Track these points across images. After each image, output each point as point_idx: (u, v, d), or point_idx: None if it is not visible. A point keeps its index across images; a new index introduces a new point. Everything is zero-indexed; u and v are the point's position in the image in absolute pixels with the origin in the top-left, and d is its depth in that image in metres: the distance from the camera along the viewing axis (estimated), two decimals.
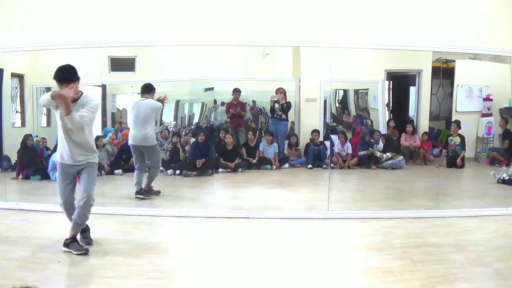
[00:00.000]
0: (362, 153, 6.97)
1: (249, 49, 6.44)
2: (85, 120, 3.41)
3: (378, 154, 6.95)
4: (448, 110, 6.91)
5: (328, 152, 6.83)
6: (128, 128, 6.20)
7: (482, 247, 3.70)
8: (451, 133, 6.66)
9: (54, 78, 3.37)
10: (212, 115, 7.51)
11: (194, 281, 3.08)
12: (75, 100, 3.42)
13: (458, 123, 6.63)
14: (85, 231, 3.74)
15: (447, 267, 3.24)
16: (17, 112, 6.24)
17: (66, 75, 3.37)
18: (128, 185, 5.42)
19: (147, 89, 5.44)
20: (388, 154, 6.87)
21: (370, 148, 6.94)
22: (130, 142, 5.38)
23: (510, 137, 6.57)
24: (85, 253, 3.46)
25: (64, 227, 3.92)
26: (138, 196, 5.24)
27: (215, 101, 7.33)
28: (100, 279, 3.03)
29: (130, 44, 5.43)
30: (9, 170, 5.91)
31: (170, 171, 6.58)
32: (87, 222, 3.73)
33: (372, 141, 7.02)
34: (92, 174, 3.60)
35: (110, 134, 6.52)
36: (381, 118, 7.51)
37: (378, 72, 7.21)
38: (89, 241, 3.71)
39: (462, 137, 6.61)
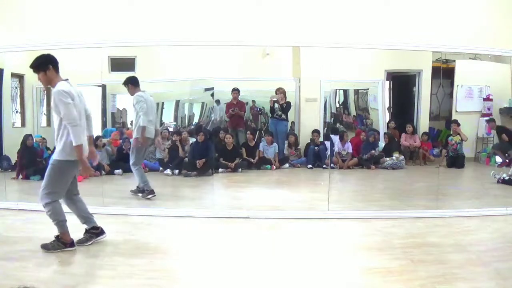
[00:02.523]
0: (365, 157, 6.97)
1: (249, 49, 6.45)
2: (68, 118, 3.34)
3: (378, 154, 6.98)
4: (448, 110, 6.92)
5: (328, 152, 6.83)
6: (128, 128, 6.19)
7: (482, 247, 3.70)
8: (451, 133, 6.66)
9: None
10: (212, 115, 7.54)
11: (194, 281, 3.08)
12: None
13: (456, 121, 6.64)
14: (87, 231, 3.74)
15: (447, 267, 3.24)
16: (17, 112, 6.24)
17: (32, 64, 3.44)
18: (128, 184, 5.41)
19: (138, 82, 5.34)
20: (395, 155, 6.88)
21: (373, 150, 6.96)
22: (149, 136, 5.25)
23: (505, 131, 6.52)
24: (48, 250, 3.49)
25: None
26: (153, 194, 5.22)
27: (218, 102, 7.36)
28: (100, 279, 3.03)
29: (130, 44, 5.42)
30: (9, 170, 5.92)
31: (168, 171, 6.58)
32: (99, 224, 3.76)
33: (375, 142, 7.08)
34: (48, 173, 3.51)
35: (113, 134, 6.51)
36: (381, 118, 7.52)
37: (378, 72, 7.22)
38: (82, 240, 3.67)
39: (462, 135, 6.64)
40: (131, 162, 5.25)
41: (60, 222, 3.53)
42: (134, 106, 5.19)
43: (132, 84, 5.22)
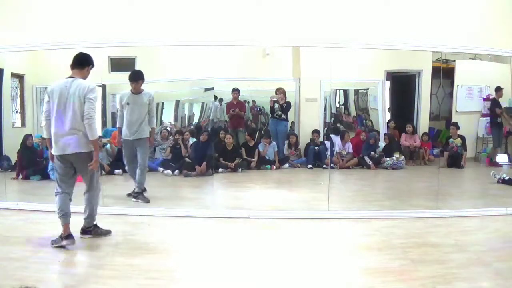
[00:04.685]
0: (367, 159, 6.96)
1: (249, 49, 6.44)
2: None
3: (378, 155, 7.00)
4: (448, 110, 6.91)
5: (328, 152, 6.83)
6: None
7: (482, 247, 3.71)
8: (451, 135, 6.66)
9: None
10: (212, 113, 7.54)
11: (194, 281, 3.08)
12: None
13: (456, 124, 6.64)
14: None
15: (447, 267, 3.24)
16: (17, 112, 6.24)
17: None
18: (129, 185, 5.41)
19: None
20: (396, 156, 6.88)
21: (380, 153, 6.97)
22: None
23: (498, 105, 6.49)
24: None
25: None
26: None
27: (215, 97, 7.35)
28: (100, 279, 3.03)
29: (130, 44, 5.42)
30: (9, 170, 5.91)
31: (169, 171, 6.58)
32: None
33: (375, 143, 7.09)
34: None
35: (114, 134, 6.49)
36: (381, 118, 7.52)
37: (378, 72, 7.22)
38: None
39: (462, 138, 6.61)
40: (143, 161, 5.14)
41: (58, 214, 3.63)
42: (150, 105, 5.12)
43: (144, 80, 5.13)
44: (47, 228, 4.00)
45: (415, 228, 4.27)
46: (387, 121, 7.43)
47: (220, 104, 7.49)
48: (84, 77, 3.73)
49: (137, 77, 5.09)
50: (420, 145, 7.00)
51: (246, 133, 7.30)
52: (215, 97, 7.39)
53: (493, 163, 6.51)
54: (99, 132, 6.28)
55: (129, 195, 5.18)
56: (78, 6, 6.07)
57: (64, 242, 3.55)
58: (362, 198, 5.64)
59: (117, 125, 5.28)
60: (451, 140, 6.64)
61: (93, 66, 3.82)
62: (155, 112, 5.23)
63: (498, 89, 6.44)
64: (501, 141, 6.60)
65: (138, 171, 5.15)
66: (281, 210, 4.87)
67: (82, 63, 3.73)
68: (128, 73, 5.23)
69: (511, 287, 2.94)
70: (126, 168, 5.33)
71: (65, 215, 3.62)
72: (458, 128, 6.60)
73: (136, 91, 5.12)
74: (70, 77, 3.67)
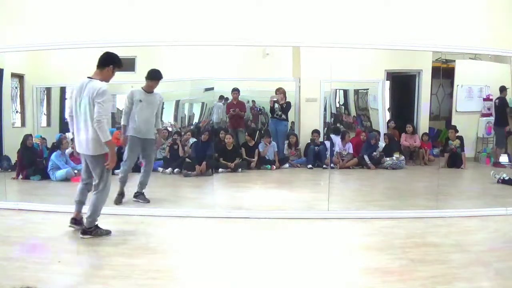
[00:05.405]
0: (367, 159, 6.95)
1: (249, 49, 6.44)
2: None
3: (378, 155, 7.00)
4: (448, 110, 6.91)
5: (328, 152, 6.83)
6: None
7: (482, 247, 3.71)
8: (450, 138, 6.66)
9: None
10: (214, 114, 7.53)
11: (194, 281, 3.08)
12: None
13: (455, 128, 6.66)
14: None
15: (447, 267, 3.24)
16: (17, 112, 6.24)
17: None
18: (131, 185, 5.39)
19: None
20: (396, 156, 6.88)
21: (380, 153, 6.96)
22: None
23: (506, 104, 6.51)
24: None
25: (63, 227, 3.94)
26: None
27: (221, 97, 7.33)
28: (100, 279, 3.03)
29: (130, 44, 5.41)
30: (9, 170, 5.91)
31: (169, 170, 6.59)
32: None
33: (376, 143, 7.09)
34: None
35: (115, 133, 6.50)
36: (381, 118, 7.52)
37: (378, 72, 7.21)
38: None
39: (461, 139, 6.63)
40: (150, 162, 5.18)
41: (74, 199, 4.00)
42: (159, 105, 5.15)
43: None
44: (47, 228, 4.00)
45: (415, 228, 4.27)
46: (387, 121, 7.43)
47: (224, 104, 7.49)
48: (105, 78, 3.74)
49: (159, 76, 5.08)
50: (420, 145, 7.00)
51: (246, 133, 7.30)
52: (221, 97, 7.39)
53: (495, 164, 6.52)
54: None
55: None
56: (78, 6, 6.07)
57: (68, 224, 3.92)
58: (362, 198, 5.63)
59: (122, 122, 5.20)
60: (450, 142, 6.65)
61: (117, 66, 3.78)
62: (160, 113, 5.24)
63: (503, 89, 6.45)
64: (504, 141, 6.60)
65: (142, 171, 5.18)
66: (281, 210, 4.87)
67: (103, 63, 3.73)
68: (127, 73, 5.23)
69: (511, 287, 2.94)
70: (124, 168, 5.10)
71: (77, 202, 3.97)
72: (456, 131, 6.62)
73: (151, 90, 5.09)
74: (89, 77, 3.72)
